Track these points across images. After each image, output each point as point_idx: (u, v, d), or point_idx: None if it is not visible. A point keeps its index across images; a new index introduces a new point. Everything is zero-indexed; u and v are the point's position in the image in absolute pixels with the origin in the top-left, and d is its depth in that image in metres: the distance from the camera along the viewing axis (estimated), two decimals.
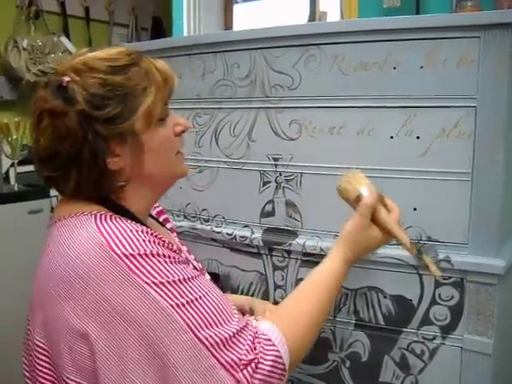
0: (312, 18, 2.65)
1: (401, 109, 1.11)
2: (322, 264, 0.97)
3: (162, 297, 0.77)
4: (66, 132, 0.83)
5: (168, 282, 0.78)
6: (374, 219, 0.95)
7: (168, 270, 0.80)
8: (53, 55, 2.88)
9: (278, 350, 0.82)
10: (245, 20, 3.04)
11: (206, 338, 0.77)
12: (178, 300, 0.78)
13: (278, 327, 0.85)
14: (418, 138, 1.10)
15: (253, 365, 0.79)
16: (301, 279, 1.25)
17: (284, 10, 3.03)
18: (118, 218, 0.85)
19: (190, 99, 1.40)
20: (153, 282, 0.77)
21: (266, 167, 1.29)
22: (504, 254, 1.07)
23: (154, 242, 0.82)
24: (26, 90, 2.76)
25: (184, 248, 1.11)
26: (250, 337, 0.81)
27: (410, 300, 1.13)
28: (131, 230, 0.82)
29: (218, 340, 0.78)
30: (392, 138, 1.13)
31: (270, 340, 0.83)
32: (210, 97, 1.37)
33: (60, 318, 0.80)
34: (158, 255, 0.80)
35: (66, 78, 0.85)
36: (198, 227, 1.41)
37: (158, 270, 0.79)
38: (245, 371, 0.78)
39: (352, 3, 2.26)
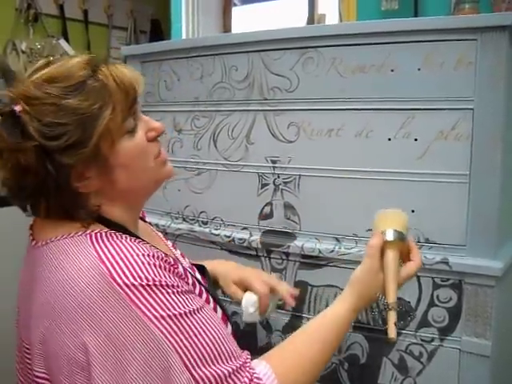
0: (310, 20, 2.66)
1: (399, 111, 1.12)
2: (330, 309, 0.94)
3: (161, 332, 0.75)
4: (26, 166, 0.79)
5: (169, 316, 0.76)
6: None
7: (170, 303, 0.77)
8: (51, 58, 2.88)
9: None
10: (243, 23, 3.04)
11: (202, 379, 0.75)
12: (178, 336, 0.75)
13: (277, 374, 0.83)
14: (415, 140, 1.11)
15: None
16: (299, 281, 1.25)
17: (282, 13, 3.04)
18: (114, 236, 0.82)
19: (189, 102, 1.40)
20: (154, 316, 0.75)
21: (265, 169, 1.29)
22: (502, 256, 1.07)
23: (159, 266, 0.79)
24: None
25: (177, 252, 1.10)
26: (246, 379, 0.79)
27: (409, 302, 1.13)
28: (132, 255, 0.78)
29: (211, 379, 0.75)
30: (390, 140, 1.13)
31: None
32: (208, 99, 1.37)
33: (59, 347, 0.78)
34: (162, 286, 0.77)
35: (18, 108, 0.79)
36: (197, 230, 1.41)
37: (161, 303, 0.76)
38: None
39: (350, 6, 2.27)
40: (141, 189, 0.91)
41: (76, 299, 0.76)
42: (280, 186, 1.28)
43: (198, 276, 1.05)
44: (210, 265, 1.15)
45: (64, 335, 0.77)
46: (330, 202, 1.21)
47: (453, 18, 1.26)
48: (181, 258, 1.08)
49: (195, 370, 0.75)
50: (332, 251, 1.19)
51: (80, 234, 0.82)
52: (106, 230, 0.83)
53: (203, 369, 0.75)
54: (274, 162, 1.28)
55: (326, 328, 0.92)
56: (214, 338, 0.79)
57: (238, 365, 0.79)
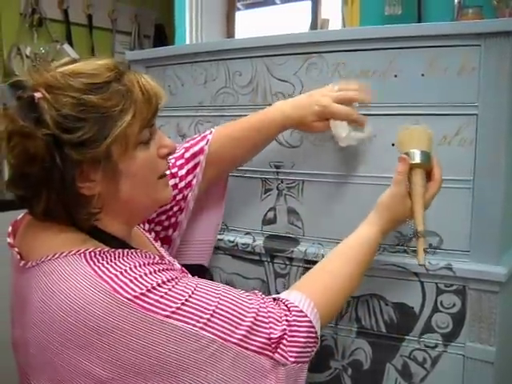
0: (314, 25, 2.66)
1: (402, 116, 1.12)
2: (358, 230, 0.98)
3: (183, 322, 0.76)
4: (33, 155, 0.77)
5: (182, 304, 0.77)
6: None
7: (177, 293, 0.78)
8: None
9: (310, 321, 0.84)
10: (247, 28, 3.05)
11: (238, 339, 0.79)
12: (198, 316, 0.78)
13: (310, 294, 0.88)
14: None
15: (284, 341, 0.81)
16: None
17: (286, 18, 3.04)
18: (106, 253, 0.81)
19: (192, 107, 1.41)
20: (171, 312, 0.76)
21: (268, 175, 1.30)
22: (506, 262, 1.07)
23: (154, 271, 0.80)
24: None
25: (162, 250, 1.10)
26: (270, 312, 0.83)
27: (412, 307, 1.12)
28: (130, 268, 0.78)
29: (245, 333, 0.79)
30: (393, 145, 1.13)
31: (301, 311, 0.85)
32: (211, 104, 1.37)
33: (78, 372, 0.76)
34: (164, 283, 0.78)
35: (38, 95, 0.78)
36: None
37: (170, 298, 0.77)
38: (279, 349, 0.81)
39: (354, 11, 2.27)
40: (140, 204, 0.89)
41: (85, 322, 0.75)
42: (283, 191, 1.28)
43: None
44: (264, 115, 1.16)
45: (79, 357, 0.75)
46: (333, 207, 1.21)
47: (456, 23, 1.26)
48: (171, 260, 1.07)
49: (230, 336, 0.78)
50: None
51: (73, 253, 0.79)
52: (100, 248, 0.82)
53: (236, 330, 0.79)
54: (277, 167, 1.28)
55: (356, 249, 0.96)
56: (224, 297, 0.82)
57: (257, 306, 0.83)
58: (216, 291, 0.82)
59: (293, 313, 0.85)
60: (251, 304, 0.83)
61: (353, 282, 0.95)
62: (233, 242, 1.34)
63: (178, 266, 1.06)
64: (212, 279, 1.18)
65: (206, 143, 1.17)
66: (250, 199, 1.32)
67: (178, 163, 1.15)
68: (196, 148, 1.17)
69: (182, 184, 1.15)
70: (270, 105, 1.26)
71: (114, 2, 3.38)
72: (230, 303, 0.81)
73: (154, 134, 0.89)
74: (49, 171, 0.78)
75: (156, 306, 0.76)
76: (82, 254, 0.79)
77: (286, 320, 0.83)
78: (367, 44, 1.14)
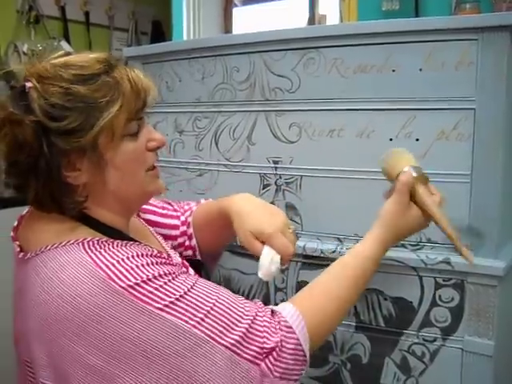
0: (311, 20, 2.66)
1: (400, 111, 1.12)
2: (359, 245, 0.95)
3: (176, 317, 0.77)
4: (22, 141, 0.80)
5: (177, 299, 0.78)
6: (414, 199, 0.96)
7: (173, 288, 0.79)
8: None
9: (298, 339, 0.83)
10: (244, 23, 3.05)
11: (230, 343, 0.78)
12: (191, 313, 0.78)
13: (303, 312, 0.85)
14: (417, 140, 1.11)
15: (274, 353, 0.80)
16: (301, 282, 1.25)
17: (283, 14, 3.04)
18: (104, 242, 0.82)
19: (190, 103, 1.40)
20: (164, 305, 0.76)
21: (266, 170, 1.30)
22: (504, 256, 1.07)
23: (151, 263, 0.80)
24: None
25: (169, 248, 1.10)
26: (265, 322, 0.82)
27: (411, 302, 1.13)
28: (127, 258, 0.79)
29: (238, 339, 0.79)
30: (391, 140, 1.13)
31: (291, 327, 0.83)
32: (209, 100, 1.37)
33: (69, 356, 0.77)
34: (160, 276, 0.79)
35: (29, 84, 0.81)
36: None
37: (165, 291, 0.78)
38: (267, 360, 0.80)
39: (351, 6, 2.27)
40: (128, 195, 0.90)
41: (81, 309, 0.76)
42: (282, 187, 1.28)
43: (191, 272, 1.05)
44: (225, 202, 1.07)
45: (75, 344, 0.76)
46: (331, 202, 1.21)
47: (454, 17, 1.26)
48: (172, 253, 1.08)
49: (222, 338, 0.78)
50: (334, 251, 1.20)
51: (72, 242, 0.81)
52: (98, 238, 0.83)
53: (228, 334, 0.79)
54: (275, 162, 1.28)
55: (356, 265, 0.93)
56: (221, 299, 0.82)
57: (253, 314, 0.82)
58: (214, 292, 0.83)
59: (283, 328, 0.83)
60: (247, 311, 0.83)
61: (350, 303, 0.93)
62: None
63: (178, 259, 1.07)
64: (208, 275, 1.17)
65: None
66: None
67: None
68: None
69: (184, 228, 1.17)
70: (267, 100, 1.26)
71: None
72: (226, 306, 0.81)
73: (143, 127, 0.90)
74: (36, 159, 0.80)
75: (149, 298, 0.76)
76: (81, 243, 0.81)
77: (279, 334, 0.83)
78: (365, 39, 1.14)
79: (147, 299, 0.76)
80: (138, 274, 0.77)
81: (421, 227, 0.99)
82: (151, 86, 0.89)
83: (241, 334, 0.79)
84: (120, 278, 0.76)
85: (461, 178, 1.07)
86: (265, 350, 0.80)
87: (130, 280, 0.76)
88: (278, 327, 0.83)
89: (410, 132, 1.11)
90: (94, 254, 0.79)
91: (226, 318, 0.80)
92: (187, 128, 1.42)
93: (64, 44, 2.99)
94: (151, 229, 1.12)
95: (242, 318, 0.81)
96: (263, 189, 1.30)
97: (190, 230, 1.15)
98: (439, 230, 1.09)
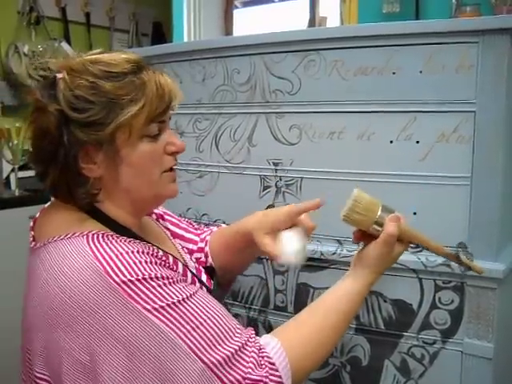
0: (312, 22, 2.67)
1: (400, 113, 1.12)
2: (342, 283, 0.94)
3: (163, 322, 0.76)
4: (44, 129, 0.84)
5: (168, 305, 0.77)
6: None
7: (167, 293, 0.78)
8: (54, 61, 2.89)
9: (280, 377, 0.80)
10: (245, 25, 3.05)
11: (211, 361, 0.76)
12: (180, 323, 0.77)
13: (287, 347, 0.84)
14: (417, 142, 1.11)
15: None
16: (301, 284, 1.25)
17: (283, 16, 3.05)
18: (109, 237, 0.83)
19: (191, 104, 1.41)
20: (153, 308, 0.76)
21: (267, 172, 1.30)
22: (504, 258, 1.07)
23: (151, 262, 0.81)
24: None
25: (184, 251, 1.11)
26: (253, 353, 0.80)
27: (410, 304, 1.13)
28: (127, 252, 0.80)
29: (221, 360, 0.77)
30: (392, 142, 1.13)
31: (273, 365, 0.81)
32: (210, 102, 1.37)
33: (61, 348, 0.78)
34: (157, 278, 0.79)
35: (59, 75, 0.85)
36: None
37: (158, 294, 0.77)
38: None
39: (352, 8, 2.28)
40: (141, 195, 0.90)
41: (75, 300, 0.77)
42: (282, 189, 1.28)
43: (204, 278, 1.06)
44: (242, 222, 1.08)
45: (66, 336, 0.77)
46: (331, 204, 1.21)
47: (454, 20, 1.26)
48: (188, 259, 1.08)
49: (205, 356, 0.76)
50: (334, 253, 1.20)
51: (77, 234, 0.82)
52: (104, 231, 0.84)
53: (211, 352, 0.77)
54: (275, 164, 1.28)
55: (340, 301, 0.92)
56: (214, 317, 0.80)
57: (243, 341, 0.81)
58: (209, 309, 0.81)
59: (267, 365, 0.81)
60: (237, 336, 0.81)
61: (334, 337, 0.90)
62: None
63: (192, 264, 1.07)
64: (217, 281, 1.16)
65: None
66: (248, 196, 1.32)
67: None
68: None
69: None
70: (268, 102, 1.27)
71: (112, 1, 3.38)
72: (217, 325, 0.80)
73: (164, 130, 0.91)
74: (56, 147, 0.83)
75: (140, 297, 0.76)
76: (85, 236, 0.82)
77: (264, 370, 0.80)
78: (365, 41, 1.14)
79: (138, 298, 0.76)
80: (134, 271, 0.78)
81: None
82: (177, 90, 0.92)
83: (225, 356, 0.77)
84: (116, 273, 0.77)
85: (461, 181, 1.07)
86: (247, 381, 0.78)
87: (125, 276, 0.77)
88: (262, 362, 0.81)
89: (410, 134, 1.11)
90: (96, 246, 0.80)
91: (213, 336, 0.78)
92: (188, 129, 1.42)
93: (64, 45, 2.99)
94: (168, 233, 1.12)
95: (230, 342, 0.79)
96: (263, 191, 1.31)
97: (207, 248, 1.15)
98: (439, 232, 1.10)
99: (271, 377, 0.80)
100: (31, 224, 0.94)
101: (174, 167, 0.94)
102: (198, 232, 1.19)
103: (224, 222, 1.37)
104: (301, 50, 1.22)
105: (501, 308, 1.07)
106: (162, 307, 0.77)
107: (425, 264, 1.09)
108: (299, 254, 0.94)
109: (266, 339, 0.85)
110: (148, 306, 0.76)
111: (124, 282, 0.76)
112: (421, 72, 1.09)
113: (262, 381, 0.78)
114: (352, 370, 1.20)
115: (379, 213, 0.92)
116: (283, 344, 0.84)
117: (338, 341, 0.93)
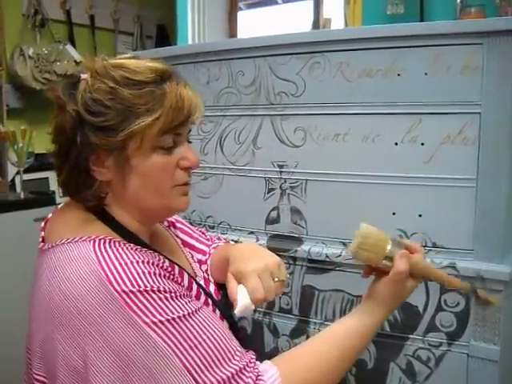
0: (316, 25, 2.66)
1: (405, 115, 1.12)
2: (352, 317, 0.92)
3: (161, 337, 0.74)
4: (61, 127, 0.85)
5: (167, 321, 0.75)
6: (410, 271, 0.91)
7: (168, 307, 0.77)
8: (58, 63, 2.90)
9: None
10: (249, 27, 3.05)
11: (205, 383, 0.74)
12: (178, 340, 0.75)
13: (284, 377, 0.81)
14: (422, 144, 1.11)
15: None
16: (306, 286, 1.25)
17: (288, 18, 3.05)
18: (116, 243, 0.82)
19: None
20: (152, 322, 0.74)
21: (271, 174, 1.30)
22: (509, 261, 1.06)
23: (155, 273, 0.79)
24: (33, 99, 2.78)
25: (194, 260, 1.09)
26: (250, 379, 0.78)
27: (416, 306, 1.12)
28: (131, 262, 0.78)
29: (215, 383, 0.75)
30: (397, 144, 1.13)
31: None
32: (214, 104, 1.38)
33: (57, 351, 0.78)
34: (159, 291, 0.77)
35: (83, 76, 0.85)
36: None
37: (158, 308, 0.76)
38: None
39: (356, 10, 2.27)
40: (149, 205, 0.89)
41: (76, 305, 0.76)
42: (287, 191, 1.28)
43: (212, 289, 1.04)
44: (231, 248, 1.03)
45: (63, 340, 0.77)
46: (336, 206, 1.21)
47: (459, 22, 1.25)
48: (197, 270, 1.06)
49: (199, 376, 0.74)
50: (339, 256, 1.19)
51: (84, 238, 0.82)
52: (111, 237, 0.83)
53: (207, 373, 0.75)
54: (280, 166, 1.28)
55: (349, 336, 0.89)
56: (214, 338, 0.78)
57: (241, 365, 0.78)
58: (210, 329, 0.79)
59: None
60: (236, 359, 0.79)
61: (338, 370, 0.87)
62: (236, 241, 1.34)
63: (201, 274, 1.05)
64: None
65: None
66: (253, 199, 1.32)
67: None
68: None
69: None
70: (272, 104, 1.26)
71: (117, 3, 3.39)
72: (216, 347, 0.77)
73: (181, 144, 0.89)
74: (69, 145, 0.84)
75: (140, 309, 0.75)
76: (92, 241, 0.81)
77: None
78: (370, 43, 1.14)
79: (138, 310, 0.75)
80: (137, 282, 0.76)
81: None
82: (198, 105, 0.89)
83: (220, 379, 0.75)
84: (118, 282, 0.76)
85: (466, 183, 1.07)
86: None
87: (127, 286, 0.75)
88: None
89: (415, 136, 1.11)
90: (101, 253, 0.79)
91: (211, 357, 0.76)
92: (192, 132, 1.42)
93: (69, 47, 3.00)
94: (179, 241, 1.11)
95: (228, 364, 0.77)
96: (268, 193, 1.31)
97: (209, 262, 1.13)
98: (445, 235, 1.09)
99: None
100: (42, 224, 0.95)
101: (189, 181, 0.92)
102: (209, 243, 1.18)
103: (229, 225, 1.37)
104: (305, 52, 1.22)
105: (507, 310, 1.07)
106: (161, 322, 0.75)
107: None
108: (243, 311, 0.88)
109: (265, 366, 0.82)
110: (147, 319, 0.74)
111: (125, 292, 0.75)
112: (426, 74, 1.09)
113: None
114: (358, 373, 1.20)
115: (389, 247, 0.90)
116: (282, 373, 0.81)
117: (342, 375, 0.88)
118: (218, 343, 0.78)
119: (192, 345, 0.75)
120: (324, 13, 2.71)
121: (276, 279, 0.88)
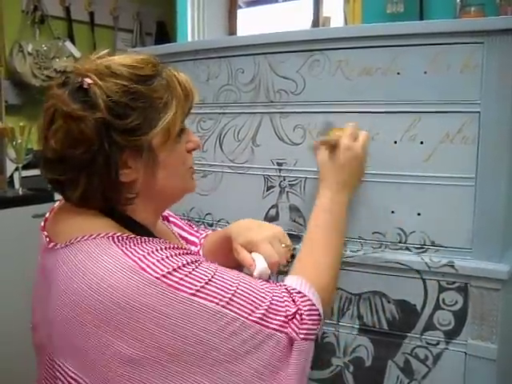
0: (316, 23, 2.67)
1: (405, 114, 1.12)
2: (324, 196, 1.05)
3: (209, 301, 0.78)
4: (80, 137, 0.80)
5: (206, 283, 0.79)
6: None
7: (200, 274, 0.81)
8: (57, 60, 2.90)
9: (310, 299, 0.88)
10: (249, 25, 3.05)
11: (257, 317, 0.81)
12: (221, 295, 0.80)
13: (304, 278, 0.91)
14: (421, 143, 1.11)
15: (297, 316, 0.84)
16: None
17: (287, 16, 3.05)
18: (133, 238, 0.83)
19: (195, 104, 1.39)
20: (196, 290, 0.78)
21: (270, 172, 1.30)
22: (508, 259, 1.07)
23: (176, 254, 0.82)
24: (32, 95, 2.78)
25: (184, 243, 1.13)
26: (283, 292, 0.87)
27: (414, 305, 1.13)
28: (155, 249, 0.81)
29: (264, 312, 0.82)
30: (396, 143, 1.13)
31: (300, 292, 0.88)
32: (214, 102, 1.37)
33: (106, 348, 0.77)
34: (187, 264, 0.81)
35: (88, 80, 0.81)
36: None
37: (195, 277, 0.79)
38: (292, 325, 0.84)
39: (356, 8, 2.28)
40: (171, 192, 0.93)
41: (111, 298, 0.76)
42: (286, 189, 1.28)
43: None
44: (228, 228, 1.10)
45: (108, 335, 0.77)
46: None
47: (459, 21, 1.25)
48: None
49: (250, 315, 0.80)
50: None
51: (102, 235, 0.81)
52: (127, 234, 0.84)
53: (255, 310, 0.81)
54: (279, 164, 1.28)
55: (336, 220, 1.03)
56: (241, 280, 0.84)
57: (271, 288, 0.87)
58: (235, 276, 0.85)
59: (296, 295, 0.88)
60: (265, 288, 0.86)
61: (339, 249, 1.01)
62: None
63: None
64: None
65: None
66: (252, 196, 1.32)
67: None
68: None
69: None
70: (272, 102, 1.26)
71: (116, 0, 3.38)
72: (248, 287, 0.84)
73: (184, 128, 0.92)
74: (93, 155, 0.81)
75: (182, 285, 0.78)
76: (110, 237, 0.82)
77: (295, 300, 0.87)
78: (370, 41, 1.14)
79: (181, 286, 0.77)
80: (168, 264, 0.79)
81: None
82: (195, 89, 0.92)
83: (266, 307, 0.82)
84: (152, 269, 0.77)
85: (465, 182, 1.07)
86: (289, 318, 0.83)
87: (162, 270, 0.78)
88: (293, 296, 0.87)
89: (414, 135, 1.11)
90: (124, 247, 0.80)
91: (250, 295, 0.82)
92: (191, 129, 1.41)
93: (68, 44, 3.00)
94: (177, 234, 1.15)
95: (265, 294, 0.84)
96: (267, 190, 1.31)
97: (201, 252, 1.17)
98: (443, 233, 1.10)
99: (303, 303, 0.87)
100: (42, 224, 0.93)
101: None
102: (198, 234, 1.21)
103: (228, 222, 1.37)
104: (305, 49, 1.21)
105: (505, 309, 1.07)
106: (202, 287, 0.79)
107: (429, 265, 1.09)
108: (264, 273, 0.96)
109: (287, 281, 0.92)
110: (191, 291, 0.78)
111: (164, 276, 0.77)
112: (425, 72, 1.09)
113: (296, 312, 0.85)
114: (355, 371, 1.20)
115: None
116: (300, 275, 0.92)
117: (341, 251, 1.04)
118: (248, 283, 0.85)
119: (232, 293, 0.81)
120: (324, 11, 2.71)
121: (283, 245, 1.00)
